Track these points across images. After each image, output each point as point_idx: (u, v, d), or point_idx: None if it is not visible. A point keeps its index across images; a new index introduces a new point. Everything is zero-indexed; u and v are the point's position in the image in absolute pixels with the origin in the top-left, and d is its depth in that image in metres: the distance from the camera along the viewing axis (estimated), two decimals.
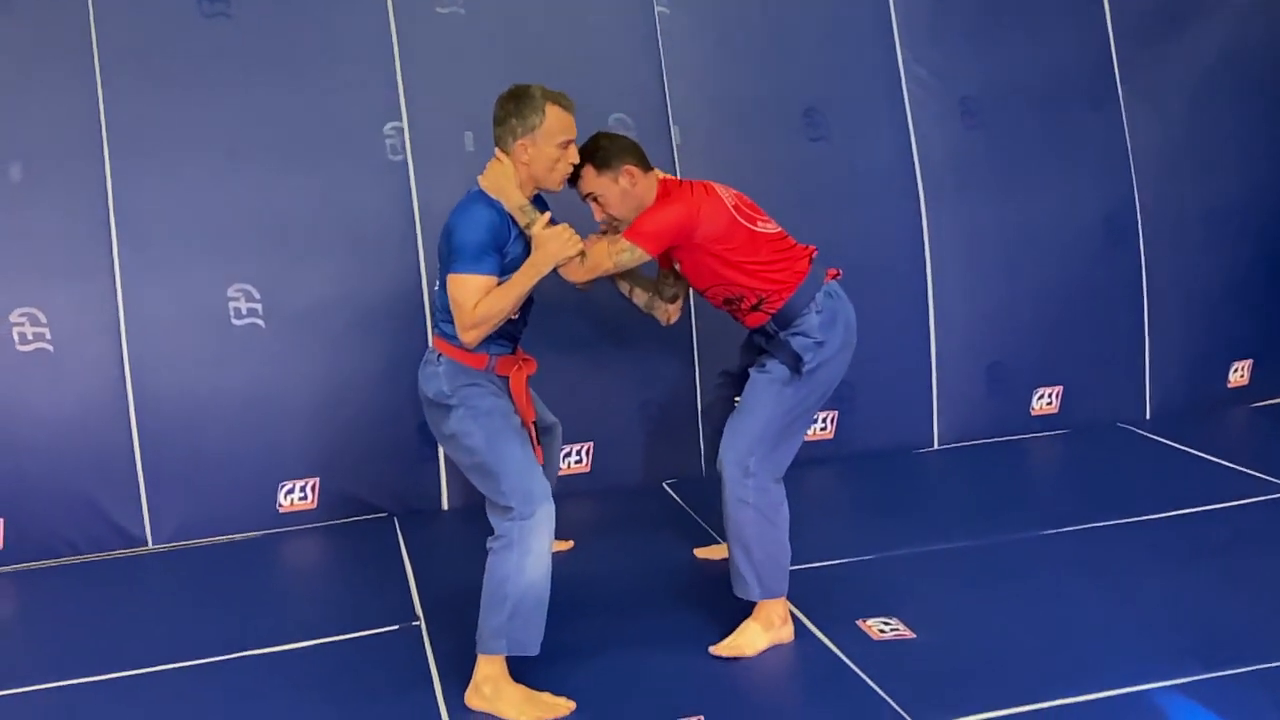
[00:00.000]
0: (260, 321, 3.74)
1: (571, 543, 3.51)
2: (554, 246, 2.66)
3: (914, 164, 4.36)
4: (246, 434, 3.75)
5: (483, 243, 2.63)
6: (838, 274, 3.00)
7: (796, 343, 2.88)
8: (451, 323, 2.71)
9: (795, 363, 2.85)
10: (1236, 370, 4.79)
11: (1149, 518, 3.60)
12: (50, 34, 3.64)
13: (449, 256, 2.67)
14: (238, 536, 3.77)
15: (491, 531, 2.72)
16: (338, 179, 3.83)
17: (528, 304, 2.83)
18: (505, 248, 2.68)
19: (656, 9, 4.11)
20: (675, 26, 4.12)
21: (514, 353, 2.87)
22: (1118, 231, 4.57)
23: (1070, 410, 4.55)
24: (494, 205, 2.69)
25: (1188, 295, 4.66)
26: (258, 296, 3.74)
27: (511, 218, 2.70)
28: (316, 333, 3.80)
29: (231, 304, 3.72)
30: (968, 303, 4.41)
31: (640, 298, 3.13)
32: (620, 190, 2.85)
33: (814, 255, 2.96)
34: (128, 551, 3.68)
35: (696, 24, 4.15)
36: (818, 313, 2.89)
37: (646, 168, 2.90)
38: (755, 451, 2.85)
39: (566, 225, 2.70)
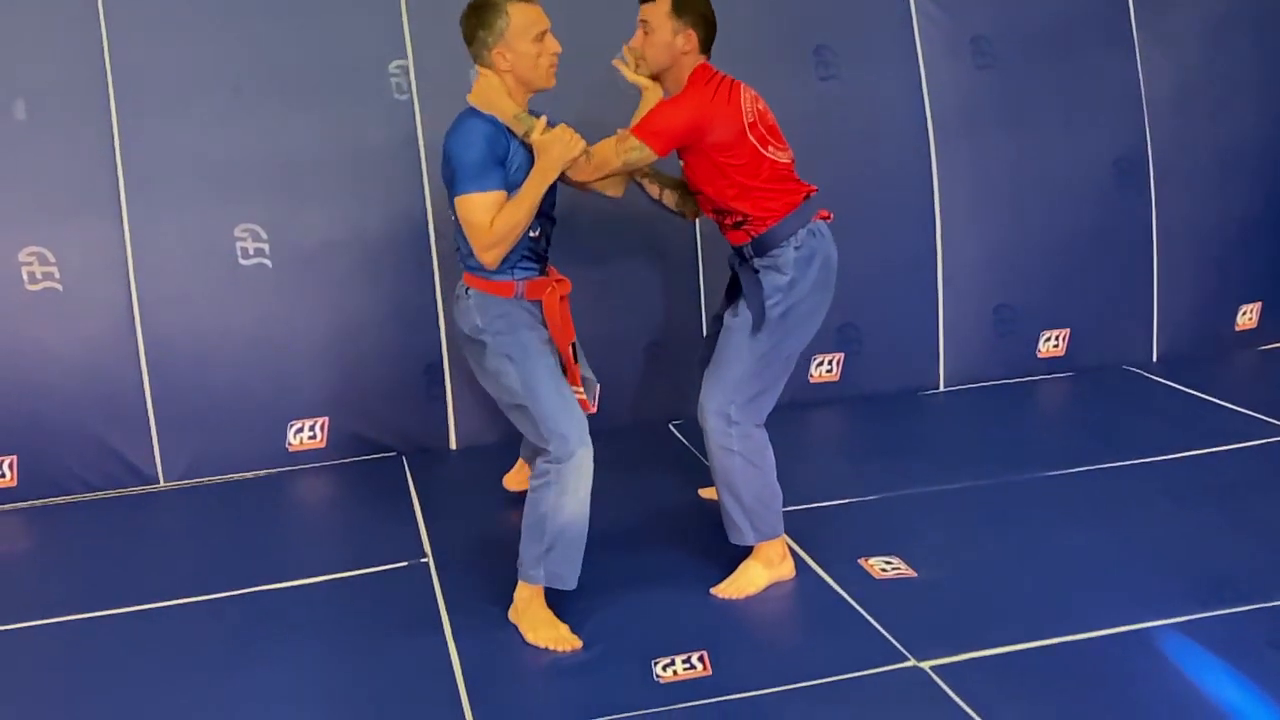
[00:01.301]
0: (267, 261, 3.75)
1: None
2: (557, 150, 2.61)
3: (924, 104, 4.32)
4: (255, 373, 3.78)
5: (482, 158, 2.59)
6: (828, 216, 2.94)
7: (768, 281, 2.84)
8: (472, 254, 2.69)
9: (759, 314, 2.82)
10: (1245, 313, 4.77)
11: (1152, 460, 3.62)
12: None
13: (452, 180, 2.64)
14: (248, 475, 3.81)
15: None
16: (343, 118, 3.81)
17: (549, 222, 2.79)
18: (506, 159, 2.64)
19: None
20: None
21: (543, 274, 2.82)
22: (1128, 174, 4.53)
23: (1077, 353, 4.55)
24: (486, 118, 2.64)
25: (1197, 238, 4.63)
26: (264, 236, 3.74)
27: (509, 129, 2.65)
28: (323, 272, 3.80)
29: (239, 244, 3.73)
30: (976, 244, 4.39)
31: (670, 198, 3.06)
32: (668, 43, 2.78)
33: (811, 194, 2.92)
34: (139, 489, 3.73)
35: None
36: (796, 248, 2.84)
37: (704, 49, 2.83)
38: (735, 399, 2.86)
39: (565, 126, 2.65)
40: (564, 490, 2.68)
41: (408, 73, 3.85)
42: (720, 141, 2.77)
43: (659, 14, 2.78)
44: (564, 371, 2.79)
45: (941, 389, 4.43)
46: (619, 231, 3.94)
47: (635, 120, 2.86)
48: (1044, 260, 4.47)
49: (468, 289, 2.77)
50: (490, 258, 2.64)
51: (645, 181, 3.02)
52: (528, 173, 2.65)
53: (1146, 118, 4.52)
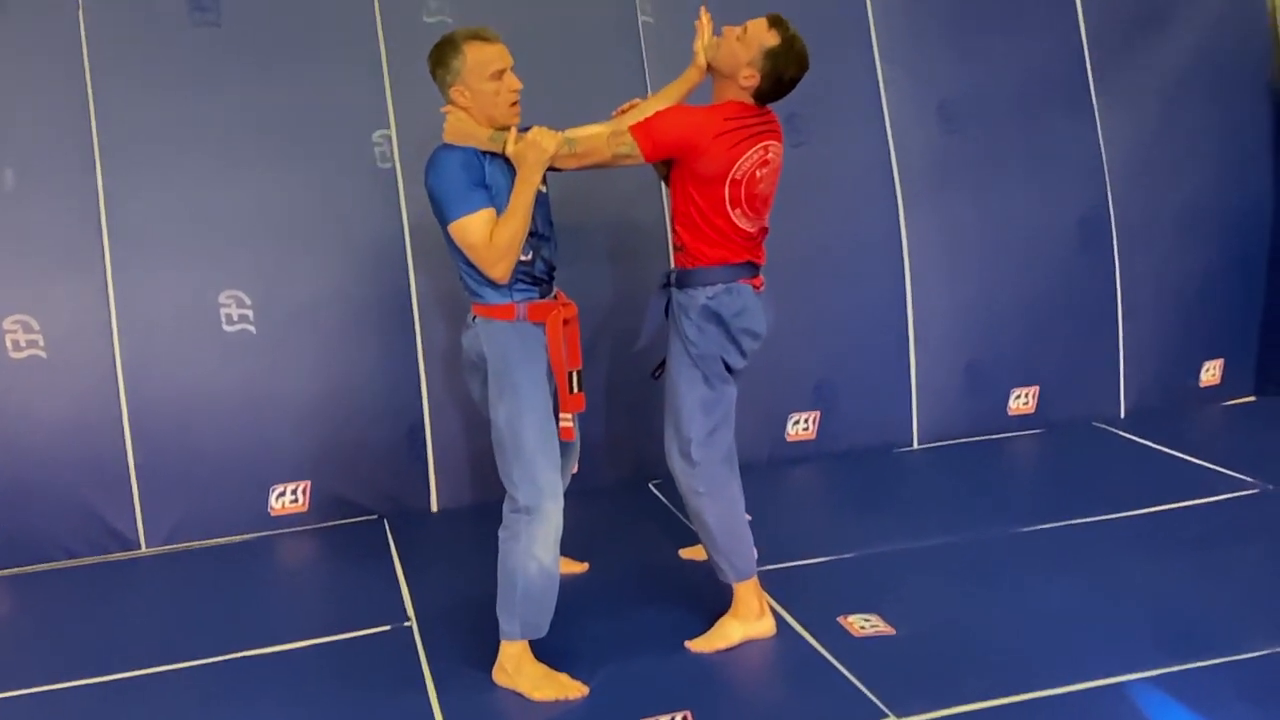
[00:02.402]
0: (251, 328, 3.79)
1: (586, 565, 3.49)
2: (532, 154, 2.65)
3: (892, 167, 4.44)
4: (239, 437, 3.80)
5: (461, 182, 2.64)
6: (759, 284, 2.99)
7: (683, 322, 2.92)
8: (475, 279, 2.74)
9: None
10: (1208, 369, 4.89)
11: (1124, 515, 3.70)
12: (41, 39, 3.68)
13: (441, 214, 2.70)
14: (230, 539, 3.83)
15: (496, 524, 2.81)
16: (327, 186, 3.88)
17: (542, 241, 2.82)
18: (485, 180, 2.69)
19: (640, 19, 4.17)
20: (659, 35, 4.18)
21: (546, 297, 2.84)
22: (1092, 233, 4.66)
23: (1046, 409, 4.65)
24: (458, 149, 2.70)
25: (1160, 296, 4.76)
26: (249, 303, 3.79)
27: (481, 152, 2.70)
28: (307, 337, 3.85)
29: (223, 310, 3.77)
30: (946, 304, 4.50)
31: None
32: (738, 60, 2.81)
33: (754, 263, 2.97)
34: (122, 555, 3.73)
35: (680, 32, 4.17)
36: (708, 298, 2.90)
37: (758, 96, 2.85)
38: (692, 438, 2.94)
39: (538, 128, 2.68)
40: (532, 541, 2.72)
41: (391, 142, 3.93)
42: (701, 174, 2.82)
43: (758, 35, 2.81)
44: (557, 402, 2.83)
45: (916, 446, 4.50)
46: (593, 283, 4.01)
47: (653, 101, 2.96)
48: (1012, 318, 4.57)
49: (474, 316, 2.83)
50: (501, 271, 2.68)
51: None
52: (507, 185, 2.71)
53: (1108, 178, 4.66)
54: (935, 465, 4.34)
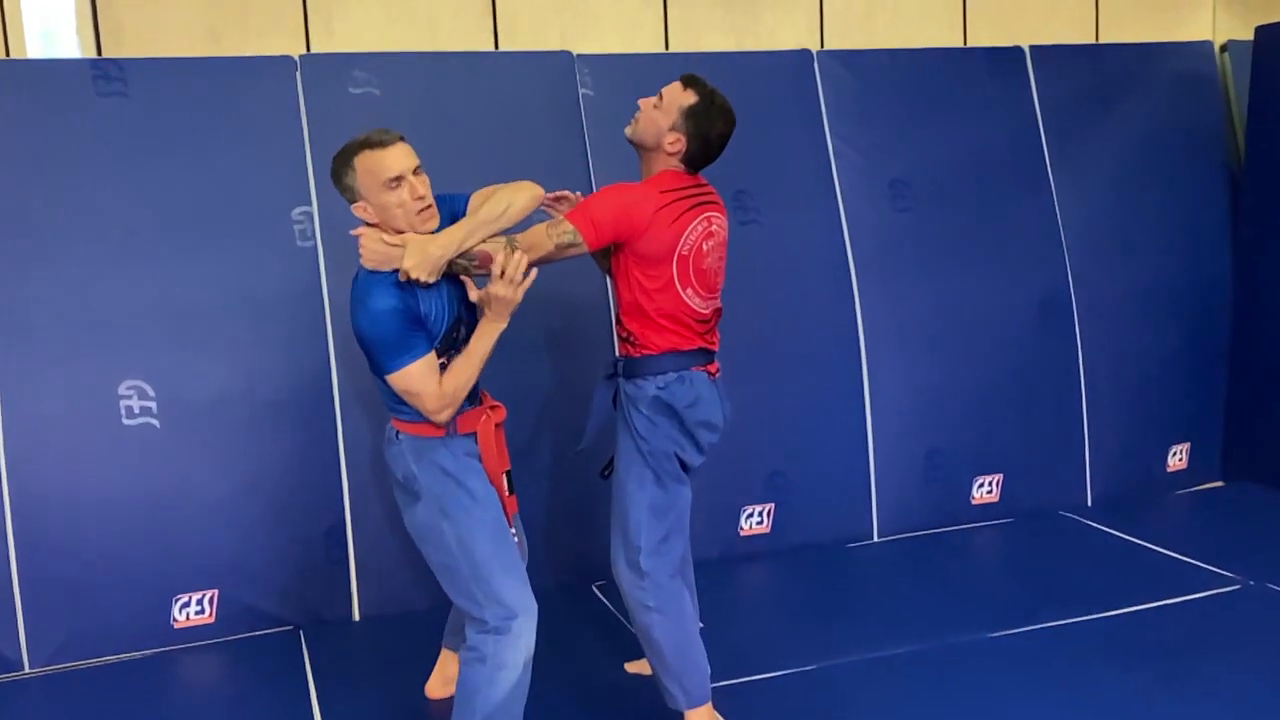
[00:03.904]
0: (154, 421, 3.47)
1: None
2: (500, 303, 2.42)
3: (845, 246, 4.25)
4: (138, 542, 3.46)
5: (398, 330, 2.37)
6: (714, 370, 2.80)
7: (633, 415, 2.71)
8: (399, 403, 2.48)
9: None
10: (1175, 454, 4.71)
11: (1097, 616, 3.45)
12: None
13: (373, 362, 2.43)
14: (127, 656, 3.46)
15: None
16: (242, 266, 3.61)
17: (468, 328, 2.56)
18: (420, 312, 2.42)
19: (580, 90, 3.98)
20: (599, 108, 3.98)
21: (474, 404, 2.60)
22: (1053, 315, 4.49)
23: (1011, 498, 4.42)
24: (386, 280, 2.39)
25: (1125, 379, 4.59)
26: (152, 394, 3.47)
27: (405, 282, 2.40)
28: (216, 431, 3.53)
29: (123, 402, 3.45)
30: (904, 389, 4.28)
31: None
32: (659, 129, 2.68)
33: (705, 349, 2.77)
34: (1, 677, 3.35)
35: (621, 105, 3.97)
36: (659, 388, 2.69)
37: (687, 162, 2.71)
38: (642, 547, 2.70)
39: (504, 253, 2.41)
40: (500, 665, 2.43)
41: (312, 219, 3.67)
42: (646, 254, 2.63)
43: (674, 97, 2.70)
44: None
45: (875, 539, 4.25)
46: (532, 367, 3.78)
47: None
48: (973, 403, 4.37)
49: (398, 433, 2.55)
50: (445, 417, 2.46)
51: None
52: (447, 308, 2.46)
53: (1067, 257, 4.51)
54: (896, 561, 4.07)
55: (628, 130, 2.77)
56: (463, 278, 2.51)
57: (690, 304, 2.71)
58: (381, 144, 2.41)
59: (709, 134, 2.70)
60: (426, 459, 2.51)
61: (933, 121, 4.39)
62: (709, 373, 2.78)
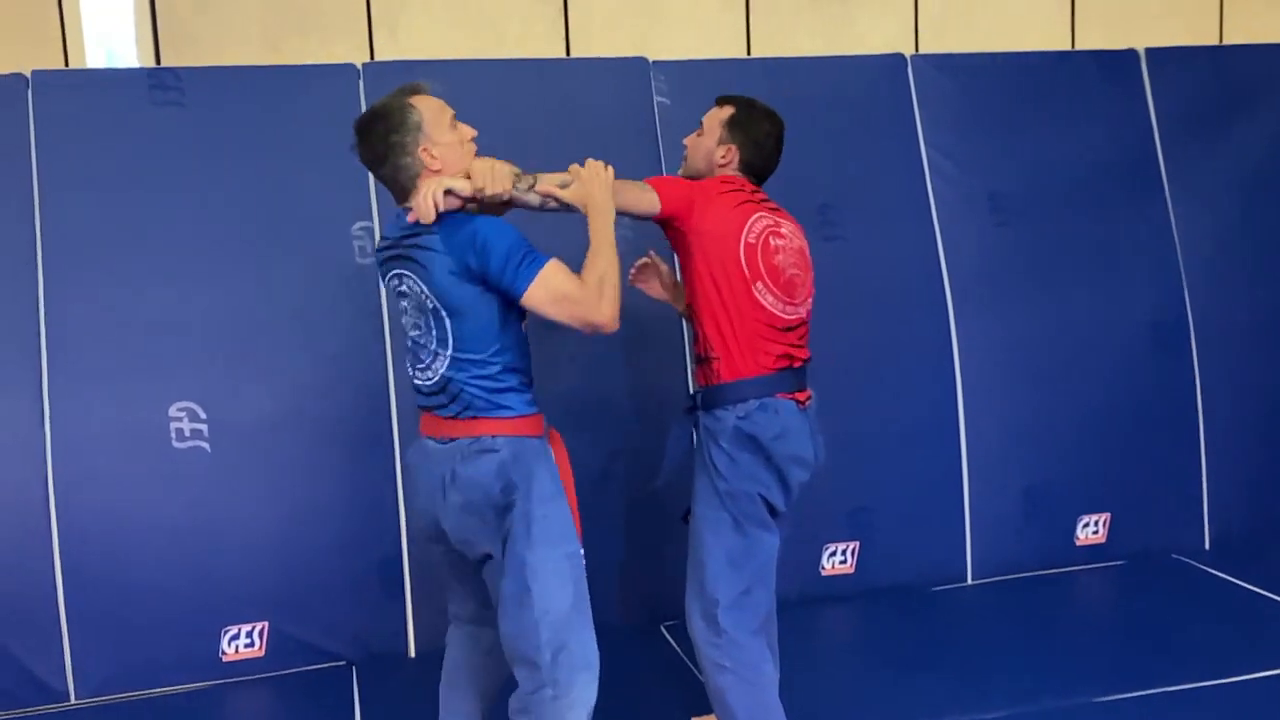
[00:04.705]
0: (205, 444, 3.33)
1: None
2: (595, 185, 2.39)
3: (940, 265, 3.96)
4: (187, 571, 3.32)
5: (522, 240, 2.24)
6: (803, 398, 2.58)
7: (713, 452, 2.51)
8: (496, 383, 2.25)
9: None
10: None
11: (1222, 681, 3.10)
12: None
13: (504, 281, 2.20)
14: (173, 690, 3.32)
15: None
16: (299, 284, 3.46)
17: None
18: None
19: (656, 100, 3.76)
20: (677, 118, 3.75)
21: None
22: (1167, 340, 4.13)
23: (1119, 540, 4.07)
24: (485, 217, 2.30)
25: (1247, 410, 4.19)
26: (203, 416, 3.34)
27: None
28: (269, 456, 3.39)
29: (174, 424, 3.32)
30: (1002, 419, 3.96)
31: (669, 290, 2.89)
32: (709, 150, 2.68)
33: (793, 372, 2.55)
34: (46, 708, 3.24)
35: (699, 113, 3.75)
36: (739, 418, 2.48)
37: (745, 169, 2.67)
38: (720, 600, 2.47)
39: (589, 161, 2.43)
40: None
41: (372, 235, 3.51)
42: (712, 233, 2.50)
43: (713, 120, 2.70)
44: None
45: (969, 582, 3.93)
46: (608, 395, 3.56)
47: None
48: (1078, 436, 4.03)
49: (493, 438, 2.26)
50: (610, 313, 2.24)
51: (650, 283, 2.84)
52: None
53: (1184, 277, 4.15)
54: (993, 607, 3.75)
55: (680, 171, 2.77)
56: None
57: (763, 302, 2.52)
58: (429, 90, 2.38)
59: (757, 136, 2.67)
60: (532, 468, 2.26)
61: (1036, 130, 4.07)
62: (797, 401, 2.55)
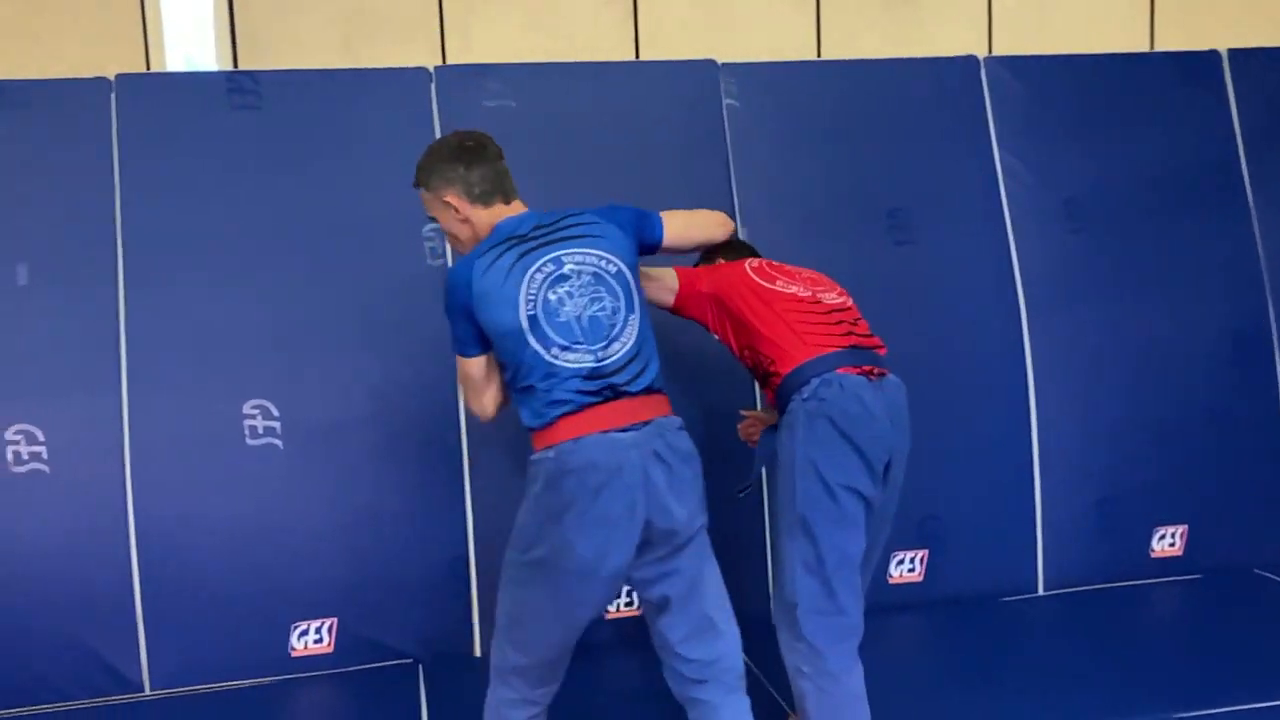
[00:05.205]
0: (278, 441, 3.38)
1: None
2: None
3: (1013, 272, 3.89)
4: (258, 567, 3.36)
5: None
6: (871, 371, 2.52)
7: (789, 440, 2.46)
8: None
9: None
10: None
11: None
12: (69, 127, 3.40)
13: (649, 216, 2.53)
14: (244, 683, 3.36)
15: None
16: (371, 284, 3.49)
17: None
18: None
19: (725, 101, 3.74)
20: (745, 120, 3.74)
21: None
22: (1248, 349, 4.02)
23: (1197, 553, 3.96)
24: None
25: None
26: (276, 414, 3.38)
27: None
28: (340, 455, 3.42)
29: (247, 422, 3.37)
30: (1076, 428, 3.88)
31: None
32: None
33: (856, 347, 2.53)
34: (121, 698, 3.29)
35: (769, 117, 3.77)
36: (804, 399, 2.42)
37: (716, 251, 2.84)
38: (798, 604, 2.40)
39: None
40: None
41: (443, 236, 3.52)
42: (719, 281, 2.66)
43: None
44: None
45: (1040, 593, 3.86)
46: (692, 390, 3.48)
47: None
48: (1155, 445, 3.92)
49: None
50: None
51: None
52: None
53: (1268, 286, 4.03)
54: (1065, 619, 3.68)
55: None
56: None
57: (791, 290, 2.56)
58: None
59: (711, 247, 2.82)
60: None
61: (1113, 135, 3.98)
62: (866, 375, 2.47)
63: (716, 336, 2.71)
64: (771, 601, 2.54)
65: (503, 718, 2.39)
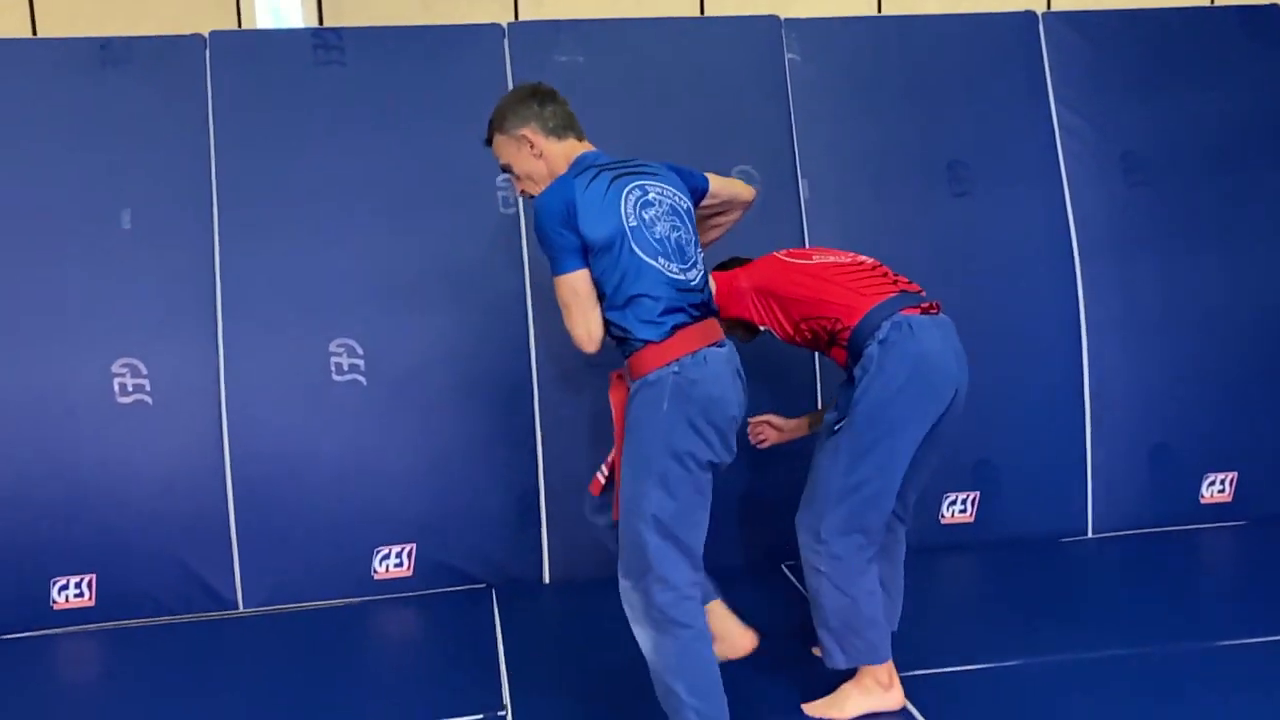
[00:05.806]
0: (362, 379, 3.59)
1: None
2: None
3: (1069, 224, 3.97)
4: (343, 496, 3.59)
5: None
6: (933, 308, 2.72)
7: (861, 376, 2.63)
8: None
9: (839, 415, 2.65)
10: None
11: None
12: (166, 82, 3.62)
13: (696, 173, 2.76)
14: (330, 603, 3.60)
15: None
16: (448, 232, 3.68)
17: None
18: None
19: (787, 56, 3.86)
20: (807, 74, 3.86)
21: None
22: None
23: (1246, 499, 4.04)
24: None
25: None
26: (360, 353, 3.59)
27: None
28: (419, 393, 3.63)
29: (334, 359, 3.59)
30: (1129, 377, 3.97)
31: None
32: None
33: (907, 293, 2.71)
34: (218, 614, 3.55)
35: (830, 71, 3.88)
36: (880, 341, 2.60)
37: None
38: (825, 515, 2.63)
39: None
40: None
41: (513, 186, 3.69)
42: (771, 273, 2.84)
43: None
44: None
45: (1090, 535, 3.97)
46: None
47: None
48: (1206, 395, 4.01)
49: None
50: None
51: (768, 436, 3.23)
52: None
53: None
54: (1113, 559, 3.80)
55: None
56: None
57: (832, 260, 2.79)
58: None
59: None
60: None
61: (1173, 89, 4.04)
62: (927, 313, 2.69)
63: (764, 328, 2.87)
64: (798, 517, 2.71)
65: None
